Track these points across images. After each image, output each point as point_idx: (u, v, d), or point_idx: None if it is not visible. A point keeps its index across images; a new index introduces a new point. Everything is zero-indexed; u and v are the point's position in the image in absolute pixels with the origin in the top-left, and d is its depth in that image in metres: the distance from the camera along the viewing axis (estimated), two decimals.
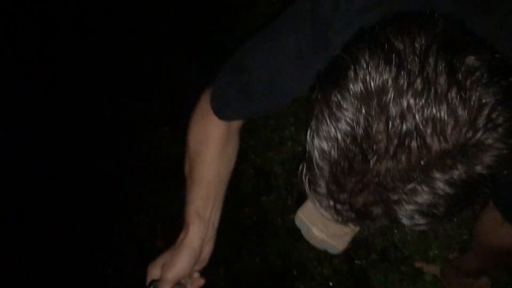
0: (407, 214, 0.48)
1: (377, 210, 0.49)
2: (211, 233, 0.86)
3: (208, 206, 0.84)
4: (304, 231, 0.73)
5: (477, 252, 1.22)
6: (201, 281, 0.88)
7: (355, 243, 1.71)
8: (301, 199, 0.73)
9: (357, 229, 0.62)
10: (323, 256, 1.81)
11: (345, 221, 0.53)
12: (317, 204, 0.53)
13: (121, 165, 2.44)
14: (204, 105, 0.86)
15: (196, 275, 0.87)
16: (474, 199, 0.49)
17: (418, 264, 1.53)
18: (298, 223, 0.74)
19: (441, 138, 0.44)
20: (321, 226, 0.68)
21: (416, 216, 0.48)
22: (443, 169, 0.45)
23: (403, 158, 0.45)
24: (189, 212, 0.84)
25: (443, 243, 1.52)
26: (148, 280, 0.84)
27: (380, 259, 1.62)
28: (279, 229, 1.92)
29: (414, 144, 0.44)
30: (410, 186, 0.46)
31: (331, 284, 1.74)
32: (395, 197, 0.47)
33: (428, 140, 0.44)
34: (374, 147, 0.45)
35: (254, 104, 0.80)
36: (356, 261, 1.68)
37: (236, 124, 0.88)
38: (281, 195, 1.95)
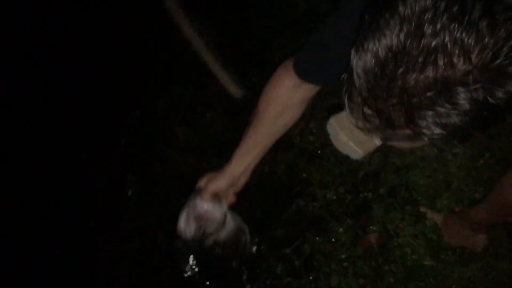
0: (426, 123, 0.54)
1: (399, 118, 0.55)
2: (248, 170, 1.11)
3: (251, 154, 1.08)
4: (332, 135, 0.83)
5: (489, 206, 1.25)
6: (233, 198, 1.13)
7: (366, 177, 1.75)
8: (332, 111, 0.80)
9: (379, 142, 0.70)
10: (330, 181, 1.86)
11: (371, 129, 0.60)
12: (350, 111, 0.61)
13: (147, 54, 2.44)
14: (282, 69, 1.02)
15: (231, 193, 1.12)
16: (489, 122, 0.55)
17: (423, 209, 1.56)
18: (328, 127, 0.83)
19: (467, 60, 0.50)
20: (348, 132, 0.78)
21: (433, 127, 0.54)
22: (463, 85, 0.50)
23: (430, 71, 0.51)
24: (236, 152, 1.09)
25: (454, 195, 1.55)
26: (196, 187, 1.11)
27: (388, 195, 1.65)
28: (295, 147, 1.95)
29: (441, 60, 0.50)
30: (431, 94, 0.51)
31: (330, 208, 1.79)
32: (417, 103, 0.53)
33: (455, 59, 0.50)
34: (406, 58, 0.51)
35: (329, 68, 0.87)
36: (363, 193, 1.72)
37: (303, 93, 1.03)
38: (304, 116, 1.96)
